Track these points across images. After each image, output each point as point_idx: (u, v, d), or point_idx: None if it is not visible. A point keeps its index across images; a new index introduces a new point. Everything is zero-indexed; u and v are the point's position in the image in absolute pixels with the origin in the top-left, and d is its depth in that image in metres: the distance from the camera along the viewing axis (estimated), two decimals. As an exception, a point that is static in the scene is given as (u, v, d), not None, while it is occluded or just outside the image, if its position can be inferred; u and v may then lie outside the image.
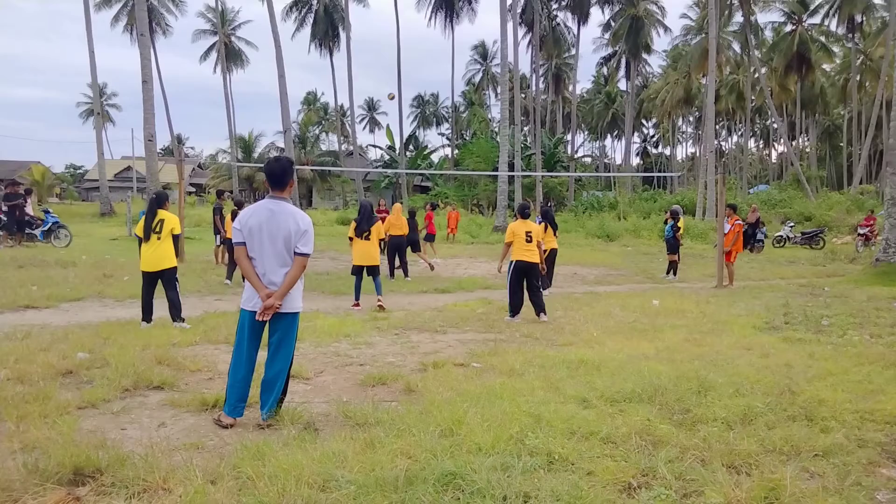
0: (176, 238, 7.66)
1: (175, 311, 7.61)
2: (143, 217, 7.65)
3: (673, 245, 14.69)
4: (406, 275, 13.43)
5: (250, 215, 4.30)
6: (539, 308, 8.77)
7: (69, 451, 3.41)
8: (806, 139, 67.56)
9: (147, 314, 7.58)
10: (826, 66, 52.66)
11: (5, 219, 17.48)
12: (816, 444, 3.83)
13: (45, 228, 18.15)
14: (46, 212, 19.20)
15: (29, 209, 18.59)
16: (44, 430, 3.83)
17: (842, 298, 10.85)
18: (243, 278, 4.53)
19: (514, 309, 8.80)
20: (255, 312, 4.22)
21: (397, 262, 13.44)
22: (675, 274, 14.74)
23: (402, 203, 16.27)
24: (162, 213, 7.57)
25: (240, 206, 11.97)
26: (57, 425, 3.93)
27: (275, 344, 4.33)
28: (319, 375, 5.61)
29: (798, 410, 4.48)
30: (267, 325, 4.33)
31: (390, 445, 3.64)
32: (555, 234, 11.90)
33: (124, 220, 26.12)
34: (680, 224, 14.81)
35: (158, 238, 7.50)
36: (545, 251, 11.67)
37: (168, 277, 7.60)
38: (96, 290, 10.17)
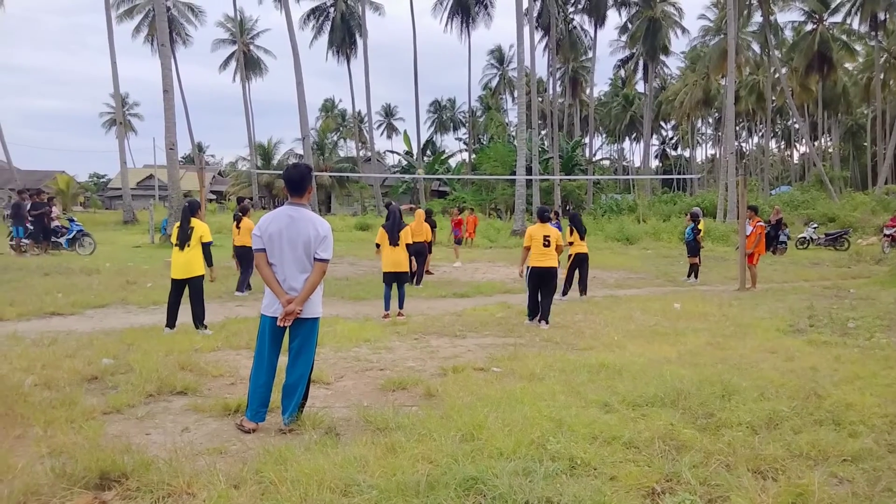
0: (206, 246, 7.64)
1: (197, 319, 7.67)
2: (178, 225, 7.69)
3: (694, 248, 14.54)
4: (418, 282, 13.21)
5: (270, 222, 4.33)
6: (544, 315, 8.68)
7: (95, 455, 3.46)
8: (828, 139, 66.59)
9: (171, 320, 7.64)
10: (848, 65, 51.83)
11: (31, 227, 17.82)
12: (845, 449, 3.76)
13: (70, 237, 18.48)
14: (71, 220, 19.54)
15: (55, 214, 18.95)
16: (70, 435, 3.89)
17: (868, 300, 10.66)
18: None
19: (532, 313, 8.81)
20: (276, 318, 4.25)
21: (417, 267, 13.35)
22: (696, 277, 14.58)
23: (418, 207, 16.22)
24: (193, 221, 7.61)
25: (245, 211, 11.53)
26: (83, 430, 3.99)
27: (295, 349, 4.35)
28: (340, 380, 5.63)
29: (825, 415, 4.40)
30: (287, 330, 4.36)
31: (411, 450, 3.64)
32: (581, 239, 11.68)
33: (147, 227, 26.48)
34: (700, 226, 14.66)
35: (189, 246, 7.54)
36: (570, 256, 11.61)
37: (195, 285, 7.65)
38: (120, 296, 10.31)
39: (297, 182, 4.35)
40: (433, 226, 14.76)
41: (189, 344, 6.73)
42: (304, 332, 4.35)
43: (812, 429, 4.14)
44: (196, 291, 7.66)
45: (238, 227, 11.26)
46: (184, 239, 7.54)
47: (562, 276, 10.91)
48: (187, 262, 7.57)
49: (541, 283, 8.77)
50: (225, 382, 5.49)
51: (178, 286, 7.64)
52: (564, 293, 11.46)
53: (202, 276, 7.71)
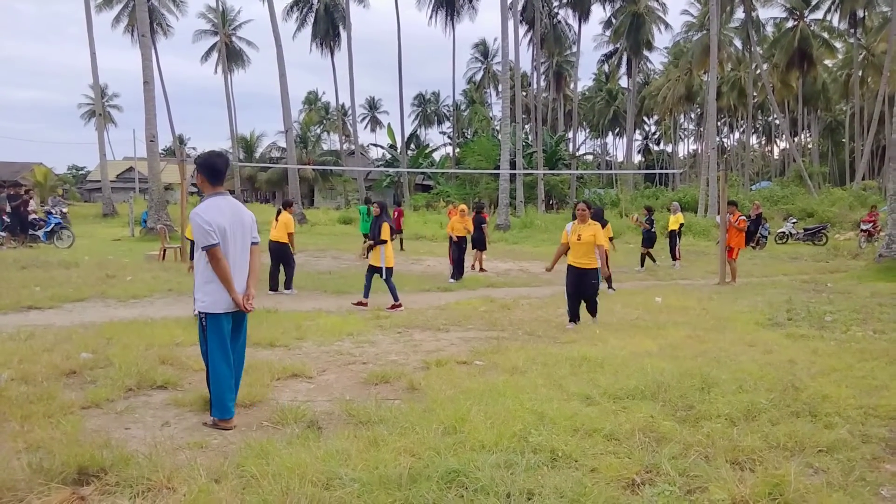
0: None
1: None
2: None
3: (647, 239, 15.75)
4: (459, 276, 12.97)
5: (217, 214, 4.17)
6: (593, 310, 8.27)
7: (73, 450, 3.42)
8: (808, 135, 67.45)
9: None
10: (828, 62, 52.51)
11: (8, 220, 17.53)
12: (820, 440, 3.83)
13: (48, 229, 18.22)
14: (49, 213, 19.27)
15: (32, 207, 18.71)
16: (48, 430, 3.84)
17: (845, 294, 10.83)
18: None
19: (572, 315, 8.24)
20: (230, 313, 4.22)
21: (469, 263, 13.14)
22: (642, 266, 15.62)
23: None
24: None
25: (287, 206, 11.36)
26: (61, 425, 3.93)
27: (242, 340, 4.48)
28: (322, 374, 5.61)
29: (802, 406, 4.47)
30: (232, 324, 4.32)
31: (394, 443, 3.64)
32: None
33: (126, 220, 26.19)
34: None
35: None
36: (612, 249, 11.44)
37: None
38: (99, 290, 10.17)
39: (222, 171, 4.31)
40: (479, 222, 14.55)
41: (169, 338, 6.67)
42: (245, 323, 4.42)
43: (789, 420, 4.21)
44: None
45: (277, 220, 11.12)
46: None
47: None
48: None
49: (580, 282, 8.15)
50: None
51: None
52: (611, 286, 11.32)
53: None
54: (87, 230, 24.20)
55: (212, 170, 4.25)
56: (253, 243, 4.35)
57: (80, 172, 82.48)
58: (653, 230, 15.86)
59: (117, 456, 3.41)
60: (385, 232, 9.43)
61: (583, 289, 8.14)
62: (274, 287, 10.87)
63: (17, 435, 3.83)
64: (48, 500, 3.01)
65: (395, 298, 9.38)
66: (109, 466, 3.32)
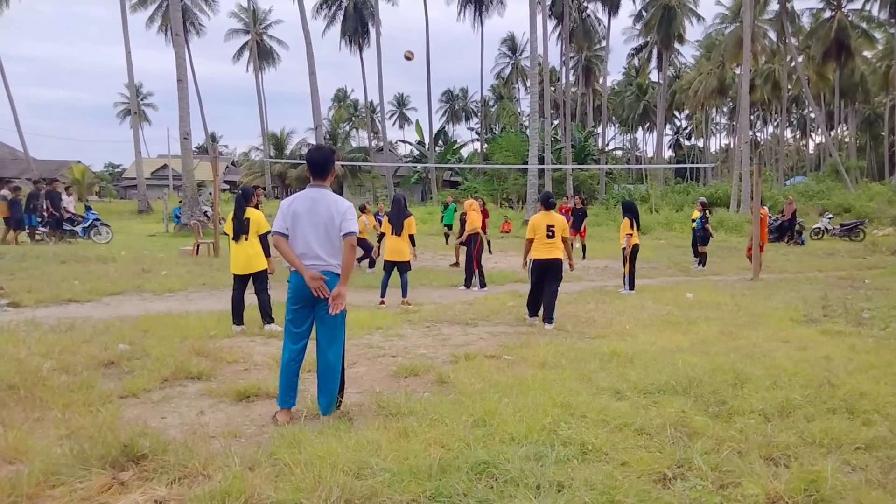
0: (263, 237, 7.11)
1: (265, 313, 7.24)
2: (231, 215, 7.19)
3: (704, 237, 14.84)
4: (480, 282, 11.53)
5: (291, 202, 4.30)
6: (547, 314, 7.85)
7: (113, 437, 3.51)
8: (845, 128, 65.69)
9: (238, 317, 7.15)
10: (867, 53, 50.97)
11: (48, 217, 18.03)
12: (858, 437, 3.75)
13: (86, 225, 18.69)
14: (88, 209, 19.77)
15: (71, 206, 19.18)
16: (88, 418, 3.96)
17: (883, 291, 10.57)
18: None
19: (532, 309, 8.11)
20: (301, 304, 4.31)
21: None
22: (703, 265, 14.80)
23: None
24: (249, 211, 7.10)
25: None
26: (100, 413, 4.05)
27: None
28: (352, 367, 5.67)
29: (838, 403, 4.38)
30: (316, 312, 4.39)
31: (423, 435, 3.67)
32: (634, 228, 10.94)
33: (161, 216, 26.73)
34: (694, 214, 15.37)
35: (246, 238, 7.07)
36: (630, 248, 10.81)
37: (259, 279, 7.24)
38: (135, 284, 10.41)
39: (320, 164, 4.30)
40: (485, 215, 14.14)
41: (204, 330, 6.80)
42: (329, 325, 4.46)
43: (825, 417, 4.13)
44: (261, 285, 7.24)
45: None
46: (239, 230, 7.08)
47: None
48: (248, 257, 7.12)
49: (545, 277, 7.97)
50: (239, 368, 5.55)
51: (240, 281, 7.23)
52: (632, 287, 10.81)
53: (265, 270, 7.26)
54: (122, 226, 24.74)
55: (308, 163, 4.33)
56: (343, 236, 4.20)
57: (116, 170, 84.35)
58: (704, 228, 14.88)
59: (155, 443, 3.49)
60: (411, 226, 9.44)
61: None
62: None
63: (59, 422, 3.95)
64: (89, 484, 3.10)
65: (404, 294, 9.38)
66: (147, 453, 3.40)
